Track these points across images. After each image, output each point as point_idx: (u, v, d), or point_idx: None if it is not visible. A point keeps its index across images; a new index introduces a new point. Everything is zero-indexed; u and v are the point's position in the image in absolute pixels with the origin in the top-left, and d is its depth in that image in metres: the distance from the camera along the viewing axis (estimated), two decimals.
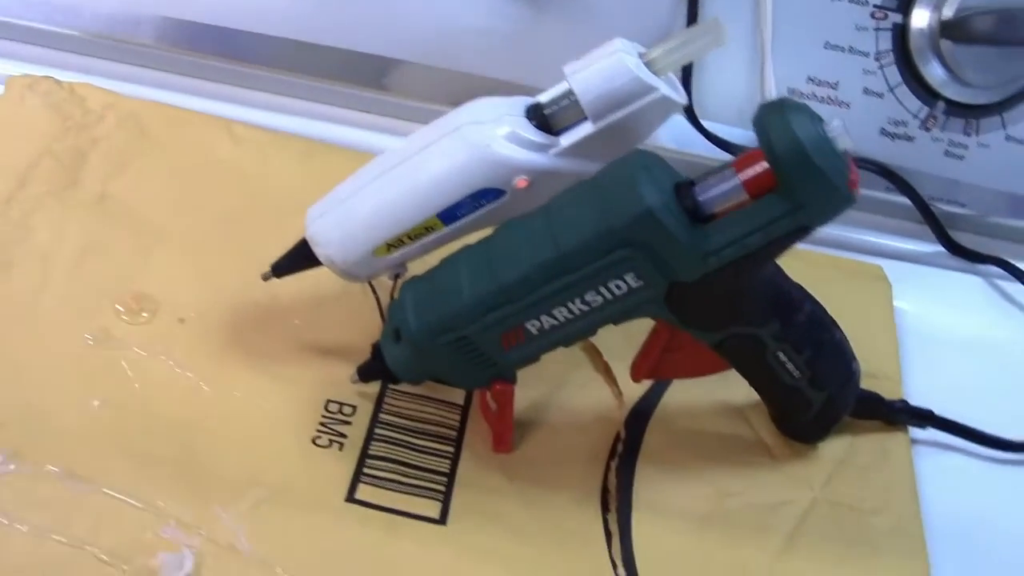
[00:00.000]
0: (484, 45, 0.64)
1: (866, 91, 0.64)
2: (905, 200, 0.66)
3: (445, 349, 0.46)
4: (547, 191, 0.47)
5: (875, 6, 0.62)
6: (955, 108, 0.64)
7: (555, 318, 0.45)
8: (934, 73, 0.63)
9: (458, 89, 0.59)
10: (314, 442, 0.49)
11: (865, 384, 0.53)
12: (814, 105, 0.64)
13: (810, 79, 0.64)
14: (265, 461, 0.48)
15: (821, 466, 0.52)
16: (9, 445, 0.46)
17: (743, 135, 0.65)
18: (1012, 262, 0.65)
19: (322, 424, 0.50)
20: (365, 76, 0.65)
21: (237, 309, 0.54)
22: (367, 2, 0.64)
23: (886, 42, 0.63)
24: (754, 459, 0.52)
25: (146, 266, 0.55)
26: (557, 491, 0.49)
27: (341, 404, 0.51)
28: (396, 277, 0.52)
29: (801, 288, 0.49)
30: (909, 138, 0.65)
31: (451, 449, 0.50)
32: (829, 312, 0.50)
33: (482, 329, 0.45)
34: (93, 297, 0.53)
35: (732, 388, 0.52)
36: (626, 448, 0.52)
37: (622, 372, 0.53)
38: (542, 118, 0.48)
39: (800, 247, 0.52)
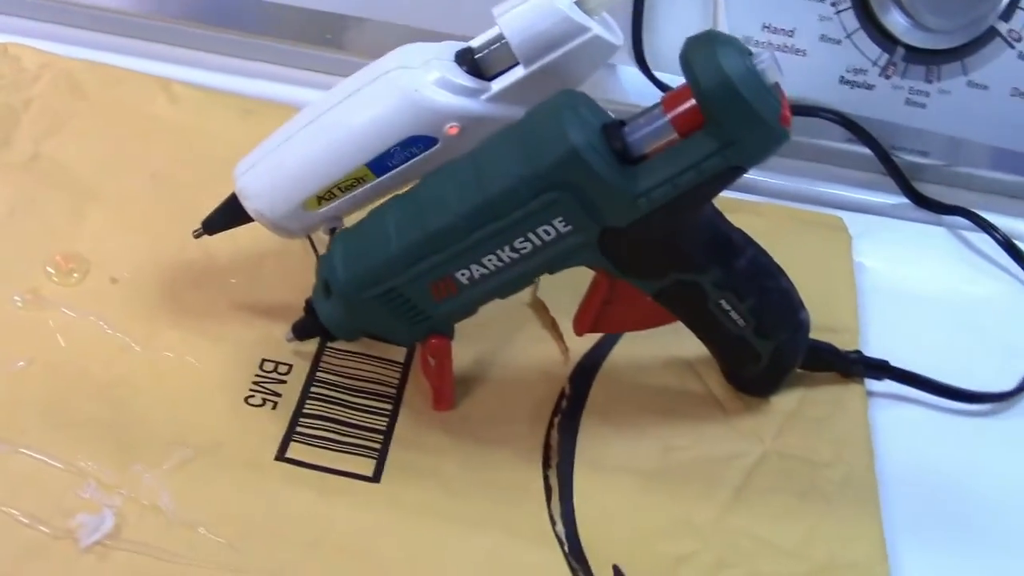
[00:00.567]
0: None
1: (823, 38, 0.62)
2: (866, 150, 0.64)
3: (375, 302, 0.45)
4: (481, 138, 0.45)
5: None
6: (915, 54, 0.62)
7: (485, 267, 0.44)
8: (893, 18, 0.61)
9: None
10: (247, 401, 0.48)
11: (822, 337, 0.52)
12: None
13: (765, 26, 0.62)
14: (194, 421, 0.47)
15: (772, 419, 0.51)
16: None
17: None
18: (977, 212, 0.63)
19: (256, 383, 0.49)
20: (310, 33, 0.64)
21: (172, 268, 0.53)
22: None
23: None
24: (703, 413, 0.51)
25: (78, 226, 0.53)
26: (497, 448, 0.48)
27: (277, 363, 0.50)
28: (333, 231, 0.50)
29: (743, 233, 0.47)
30: (869, 86, 0.63)
31: (389, 407, 0.49)
32: (784, 262, 0.48)
33: (411, 280, 0.44)
34: (23, 258, 0.52)
35: (683, 342, 0.50)
36: (570, 404, 0.50)
37: (570, 328, 0.51)
38: (473, 63, 0.47)
39: (758, 199, 0.51)
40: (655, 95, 0.62)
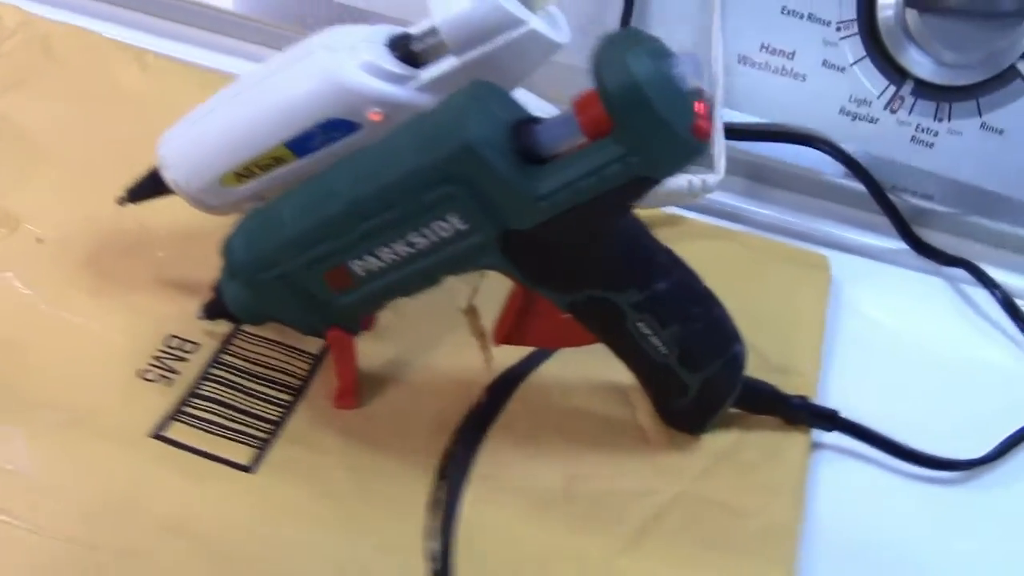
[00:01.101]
0: None
1: (825, 63, 0.58)
2: (863, 188, 0.60)
3: (272, 286, 0.43)
4: None
5: None
6: (925, 89, 0.57)
7: (381, 260, 0.42)
8: (903, 48, 0.56)
9: None
10: (142, 375, 0.46)
11: (772, 378, 0.48)
12: (766, 76, 0.59)
13: (764, 47, 0.59)
14: (77, 387, 0.45)
15: (699, 458, 0.47)
16: None
17: None
18: (980, 265, 0.58)
19: (156, 358, 0.47)
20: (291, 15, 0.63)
21: (102, 236, 0.52)
22: None
23: (850, 10, 0.57)
24: (623, 443, 0.47)
25: (17, 184, 0.53)
26: (394, 453, 0.45)
27: (184, 341, 0.48)
28: None
29: (671, 254, 0.44)
30: (872, 119, 0.59)
31: (288, 398, 0.47)
32: (755, 295, 0.46)
33: (304, 266, 0.42)
34: None
35: (619, 367, 0.47)
36: (479, 415, 0.47)
37: None
38: (407, 50, 0.44)
39: (741, 229, 0.47)
40: None
